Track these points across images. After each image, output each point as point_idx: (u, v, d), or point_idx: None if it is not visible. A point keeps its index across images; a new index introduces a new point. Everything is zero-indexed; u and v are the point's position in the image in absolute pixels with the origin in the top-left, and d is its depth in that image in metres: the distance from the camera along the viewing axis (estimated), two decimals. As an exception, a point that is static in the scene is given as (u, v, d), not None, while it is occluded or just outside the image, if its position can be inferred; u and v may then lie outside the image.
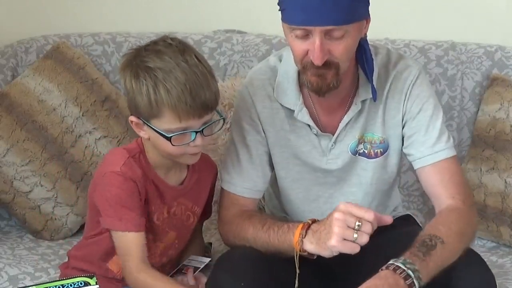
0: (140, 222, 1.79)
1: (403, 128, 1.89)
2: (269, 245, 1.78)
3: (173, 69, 1.71)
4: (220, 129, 1.86)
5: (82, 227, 2.23)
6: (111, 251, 1.86)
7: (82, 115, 2.41)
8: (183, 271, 1.89)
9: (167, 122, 1.73)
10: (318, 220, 1.72)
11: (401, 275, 1.61)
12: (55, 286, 1.68)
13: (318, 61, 1.71)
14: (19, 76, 2.48)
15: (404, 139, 1.90)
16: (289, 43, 1.77)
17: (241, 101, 1.93)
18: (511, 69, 2.49)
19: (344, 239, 1.64)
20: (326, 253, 1.68)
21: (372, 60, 1.84)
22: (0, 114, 2.38)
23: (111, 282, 1.88)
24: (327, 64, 1.73)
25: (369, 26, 1.80)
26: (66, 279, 1.70)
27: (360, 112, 1.88)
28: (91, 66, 2.50)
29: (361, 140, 1.90)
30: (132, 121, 1.79)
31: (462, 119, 2.50)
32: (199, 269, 1.90)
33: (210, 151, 2.24)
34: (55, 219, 2.35)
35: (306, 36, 1.72)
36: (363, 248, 1.65)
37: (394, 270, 1.62)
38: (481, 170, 2.37)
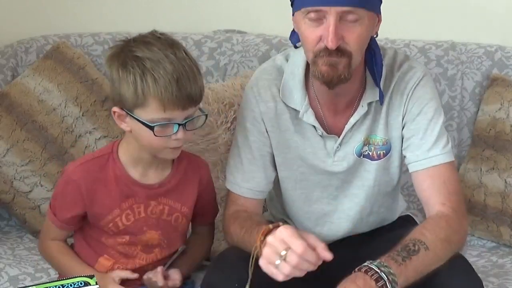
0: (64, 223, 1.89)
1: (402, 129, 1.88)
2: (246, 248, 1.74)
3: (162, 60, 1.73)
4: (202, 125, 1.86)
5: (82, 227, 2.23)
6: (90, 254, 1.91)
7: (82, 115, 2.41)
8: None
9: (151, 112, 1.74)
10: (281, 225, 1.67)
11: (372, 277, 1.59)
12: (55, 286, 1.68)
13: (332, 44, 1.68)
14: (19, 76, 2.48)
15: (403, 140, 1.89)
16: (302, 32, 1.75)
17: (246, 101, 1.92)
18: (511, 69, 2.49)
19: (269, 263, 1.59)
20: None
21: (382, 65, 1.83)
22: (0, 114, 2.38)
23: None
24: (340, 51, 1.71)
25: (379, 27, 1.80)
26: (66, 279, 1.70)
27: (366, 114, 1.86)
28: (91, 66, 2.50)
29: (366, 142, 1.89)
30: (114, 112, 1.80)
31: (462, 119, 2.50)
32: (171, 261, 1.90)
33: (210, 151, 2.25)
34: (55, 219, 2.35)
35: (320, 20, 1.70)
36: (361, 249, 1.64)
37: (366, 272, 1.61)
38: (481, 170, 2.37)
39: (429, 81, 1.89)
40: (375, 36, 1.81)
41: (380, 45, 1.87)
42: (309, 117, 1.87)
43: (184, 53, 1.77)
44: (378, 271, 1.60)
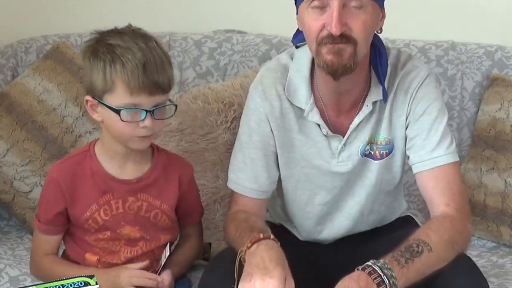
0: (48, 225, 1.91)
1: (406, 129, 1.88)
2: (237, 251, 1.73)
3: (132, 47, 1.78)
4: (171, 116, 1.88)
5: (82, 227, 2.23)
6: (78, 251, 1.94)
7: (82, 115, 2.41)
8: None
9: (118, 97, 1.78)
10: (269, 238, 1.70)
11: (375, 280, 1.60)
12: (55, 286, 1.68)
13: (336, 29, 1.68)
14: (19, 76, 2.48)
15: (407, 140, 1.88)
16: (305, 23, 1.74)
17: (250, 100, 1.92)
18: (511, 69, 2.49)
19: None
20: None
21: (387, 65, 1.83)
22: (0, 114, 2.38)
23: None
24: (344, 37, 1.70)
25: (383, 23, 1.80)
26: (66, 279, 1.70)
27: (370, 113, 1.86)
28: (91, 66, 2.50)
29: (369, 142, 1.88)
30: (87, 101, 1.84)
31: (462, 119, 2.50)
32: (161, 266, 1.91)
33: (210, 150, 2.25)
34: (55, 219, 2.35)
35: (323, 9, 1.70)
36: (361, 249, 1.64)
37: (369, 273, 1.60)
38: (481, 170, 2.37)
39: (433, 81, 1.89)
40: (379, 32, 1.81)
41: (384, 45, 1.87)
42: (314, 116, 1.86)
43: (155, 43, 1.82)
44: (381, 273, 1.60)
